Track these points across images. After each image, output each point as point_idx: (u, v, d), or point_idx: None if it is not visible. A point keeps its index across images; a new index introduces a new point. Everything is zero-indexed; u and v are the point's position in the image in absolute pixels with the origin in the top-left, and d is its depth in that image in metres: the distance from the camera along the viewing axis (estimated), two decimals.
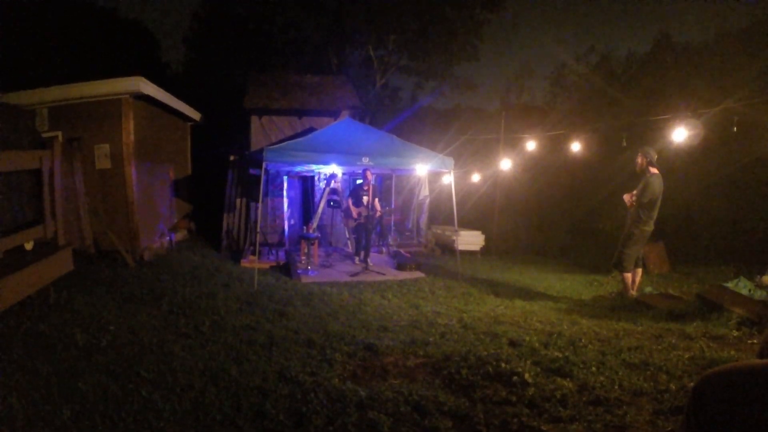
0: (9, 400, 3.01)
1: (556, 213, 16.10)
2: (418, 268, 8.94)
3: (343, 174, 10.84)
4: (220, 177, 11.51)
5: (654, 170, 6.39)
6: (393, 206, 12.20)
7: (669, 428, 2.79)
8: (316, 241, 9.27)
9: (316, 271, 8.55)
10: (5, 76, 10.79)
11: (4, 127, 4.56)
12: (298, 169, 10.44)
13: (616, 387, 3.40)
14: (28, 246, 4.75)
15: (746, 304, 5.27)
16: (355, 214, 9.19)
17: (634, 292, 6.79)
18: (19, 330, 4.16)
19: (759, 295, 6.07)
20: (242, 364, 4.04)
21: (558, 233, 14.84)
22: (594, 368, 3.74)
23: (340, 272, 8.61)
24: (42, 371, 3.49)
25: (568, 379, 3.56)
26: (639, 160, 6.51)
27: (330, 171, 10.12)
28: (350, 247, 10.73)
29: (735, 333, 4.59)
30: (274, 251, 9.95)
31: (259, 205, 8.39)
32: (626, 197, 6.58)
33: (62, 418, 2.93)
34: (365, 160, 8.23)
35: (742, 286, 6.48)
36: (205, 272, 7.86)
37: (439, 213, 13.52)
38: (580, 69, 22.47)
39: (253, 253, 8.92)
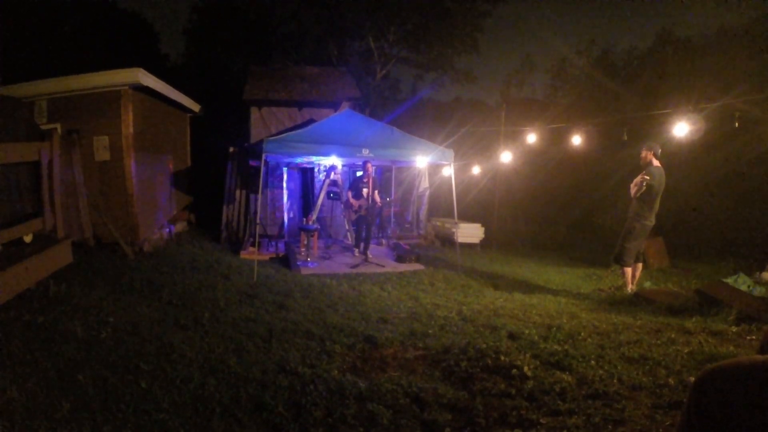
0: (8, 393, 3.01)
1: (557, 206, 16.12)
2: (418, 260, 8.94)
3: (343, 166, 10.82)
4: (219, 169, 11.49)
5: (656, 163, 6.38)
6: (392, 197, 12.19)
7: (667, 423, 2.79)
8: (316, 233, 9.26)
9: (316, 263, 8.55)
10: (3, 68, 10.73)
11: (3, 119, 4.53)
12: (298, 160, 10.42)
13: (615, 381, 3.40)
14: (28, 238, 4.75)
15: (745, 300, 5.29)
16: (355, 207, 9.17)
17: (633, 287, 6.79)
18: (19, 322, 4.16)
19: (758, 291, 6.10)
20: (242, 356, 4.05)
21: (558, 227, 14.85)
22: (593, 362, 3.75)
23: (340, 264, 8.62)
24: (41, 364, 3.49)
25: (567, 373, 3.56)
26: (643, 154, 6.49)
27: (330, 163, 10.10)
28: (350, 239, 10.73)
29: (734, 329, 4.60)
30: (273, 243, 9.94)
31: (259, 196, 8.38)
32: (636, 180, 6.48)
33: (62, 411, 2.93)
34: (365, 152, 8.21)
35: (742, 282, 6.50)
36: (204, 264, 7.86)
37: (439, 205, 13.50)
38: (580, 63, 22.40)
39: (253, 245, 8.92)
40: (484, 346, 4.12)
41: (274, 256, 9.24)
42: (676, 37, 18.67)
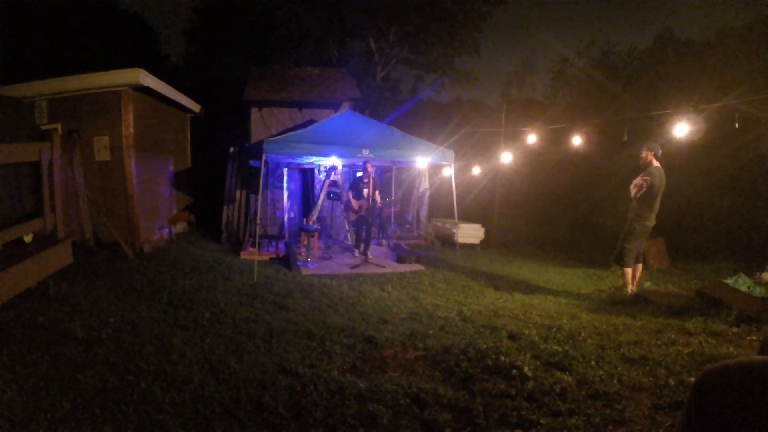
0: (9, 393, 3.01)
1: (557, 207, 16.13)
2: (418, 260, 8.94)
3: (343, 166, 10.82)
4: (220, 169, 11.49)
5: (657, 164, 6.37)
6: (393, 198, 12.19)
7: (668, 423, 2.79)
8: (316, 234, 9.26)
9: (316, 264, 8.55)
10: (4, 68, 10.74)
11: (3, 119, 4.53)
12: (298, 161, 10.42)
13: (616, 381, 3.40)
14: (28, 239, 4.75)
15: (745, 300, 5.28)
16: (356, 207, 9.17)
17: (633, 287, 6.79)
18: (19, 322, 4.16)
19: (758, 291, 6.09)
20: (242, 356, 4.05)
21: (558, 227, 14.85)
22: (593, 362, 3.75)
23: (340, 264, 8.61)
24: (42, 364, 3.50)
25: (567, 373, 3.56)
26: (644, 154, 6.47)
27: (330, 163, 10.10)
28: (350, 240, 10.73)
29: (734, 329, 4.60)
30: (273, 243, 9.94)
31: (259, 197, 8.38)
32: (636, 181, 6.47)
33: (62, 411, 2.94)
34: (365, 153, 8.21)
35: (742, 282, 6.49)
36: (204, 264, 7.86)
37: (439, 206, 13.51)
38: (581, 64, 22.39)
39: (253, 245, 8.91)
40: (485, 346, 4.12)
41: (274, 256, 9.24)
42: (676, 37, 18.67)
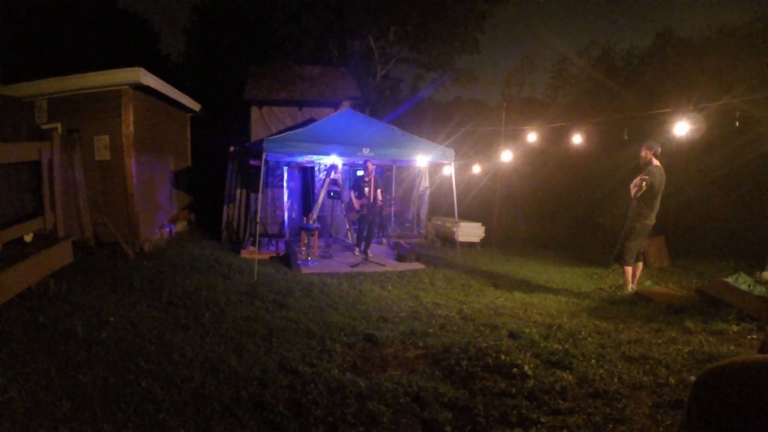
0: (9, 393, 3.01)
1: (557, 206, 16.11)
2: (418, 259, 8.94)
3: (344, 165, 10.82)
4: (220, 168, 11.49)
5: (657, 162, 6.37)
6: (393, 195, 12.18)
7: (668, 422, 2.79)
8: (316, 232, 9.26)
9: (316, 262, 8.56)
10: (4, 68, 10.73)
11: (3, 118, 4.53)
12: (299, 160, 10.42)
13: (616, 380, 3.40)
14: (28, 238, 4.74)
15: (746, 299, 5.28)
16: (358, 207, 9.16)
17: (634, 286, 6.79)
18: (19, 322, 4.16)
19: (759, 290, 6.07)
20: (242, 355, 4.05)
21: (558, 226, 14.85)
22: (593, 361, 3.75)
23: (340, 263, 8.62)
24: (42, 363, 3.50)
25: (567, 372, 3.56)
26: (643, 153, 6.48)
27: (330, 162, 10.10)
28: (350, 238, 10.73)
29: (734, 328, 4.60)
30: (274, 242, 9.94)
31: (259, 196, 8.38)
32: (636, 181, 6.47)
33: (62, 410, 2.93)
34: (365, 151, 8.21)
35: (742, 281, 6.47)
36: (205, 263, 7.86)
37: (440, 204, 13.51)
38: (581, 63, 22.35)
39: (253, 244, 8.92)
40: (485, 345, 4.12)
41: (274, 255, 9.24)
42: (676, 36, 18.63)
